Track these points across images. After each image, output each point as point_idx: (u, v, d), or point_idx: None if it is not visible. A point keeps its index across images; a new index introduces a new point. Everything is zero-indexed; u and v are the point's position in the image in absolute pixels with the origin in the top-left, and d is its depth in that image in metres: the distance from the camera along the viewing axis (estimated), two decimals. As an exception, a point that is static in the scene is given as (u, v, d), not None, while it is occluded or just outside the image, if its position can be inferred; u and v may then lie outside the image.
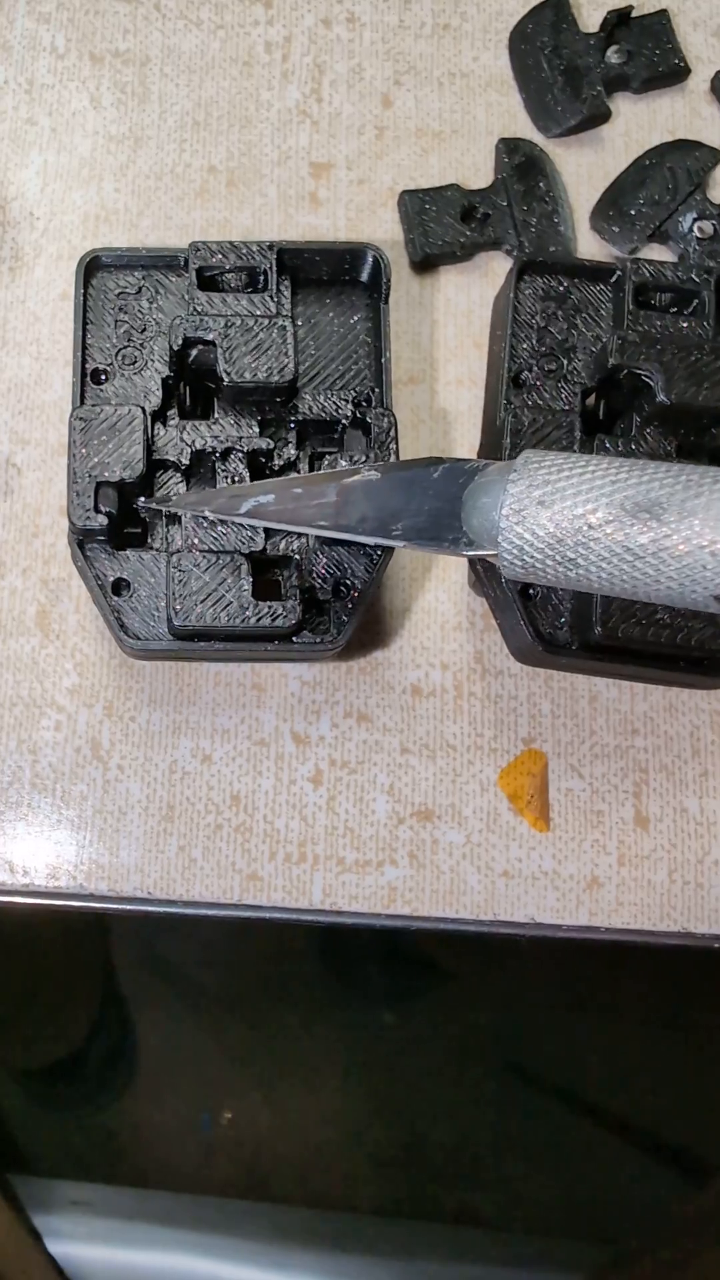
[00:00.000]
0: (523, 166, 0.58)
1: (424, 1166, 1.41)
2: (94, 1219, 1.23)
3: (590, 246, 0.59)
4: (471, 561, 0.54)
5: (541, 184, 0.58)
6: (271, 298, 0.51)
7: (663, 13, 0.61)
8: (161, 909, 0.53)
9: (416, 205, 0.58)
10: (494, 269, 0.59)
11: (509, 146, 0.59)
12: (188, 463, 0.50)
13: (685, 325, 0.51)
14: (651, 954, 1.36)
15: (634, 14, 0.61)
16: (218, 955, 1.48)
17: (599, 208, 0.59)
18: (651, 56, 0.60)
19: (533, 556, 0.40)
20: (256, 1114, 1.42)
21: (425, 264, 0.58)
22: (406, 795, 0.54)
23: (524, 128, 0.60)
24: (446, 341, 0.58)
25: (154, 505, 0.50)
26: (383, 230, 0.59)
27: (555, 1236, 1.35)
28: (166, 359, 0.51)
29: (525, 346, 0.53)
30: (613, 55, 0.60)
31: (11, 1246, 1.08)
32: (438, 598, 0.55)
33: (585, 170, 0.60)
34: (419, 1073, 1.44)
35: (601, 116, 0.60)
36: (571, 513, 0.39)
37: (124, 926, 1.42)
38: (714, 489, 0.37)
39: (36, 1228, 1.17)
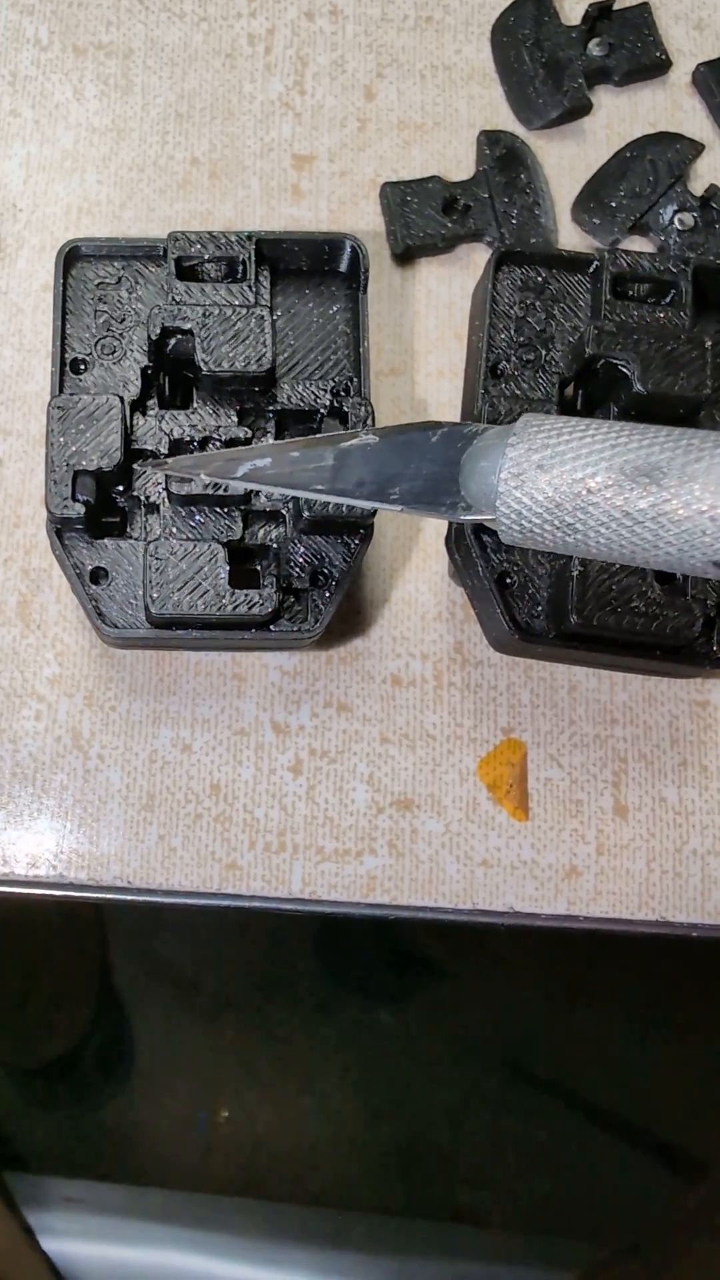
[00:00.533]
0: (504, 159, 0.59)
1: (420, 1165, 1.41)
2: (88, 1216, 1.23)
3: (571, 238, 0.59)
4: (450, 551, 0.54)
5: (523, 176, 0.58)
6: (250, 288, 0.51)
7: (644, 5, 0.61)
8: (141, 898, 0.53)
9: (398, 197, 0.58)
10: (475, 261, 0.59)
11: (490, 139, 0.59)
12: (166, 452, 0.50)
13: (662, 315, 0.51)
14: (646, 949, 1.36)
15: (615, 7, 0.61)
16: (214, 953, 1.48)
17: (580, 200, 0.59)
18: (633, 49, 0.61)
19: (531, 521, 0.39)
20: (253, 1112, 1.42)
21: (406, 255, 0.58)
22: (386, 785, 0.54)
23: (506, 120, 0.60)
24: (427, 333, 0.58)
25: (151, 467, 0.50)
26: (364, 222, 0.59)
27: (550, 1234, 1.34)
28: (145, 349, 0.52)
29: (503, 336, 0.53)
30: (594, 48, 0.60)
31: (4, 1244, 1.09)
32: (418, 588, 0.55)
33: (567, 162, 0.60)
34: (415, 1071, 1.44)
35: (583, 109, 0.60)
36: (571, 477, 0.38)
37: (120, 924, 1.42)
38: (715, 454, 0.37)
39: (30, 1224, 1.17)
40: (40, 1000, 1.36)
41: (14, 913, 1.32)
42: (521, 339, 0.53)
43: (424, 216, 0.58)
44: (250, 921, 1.44)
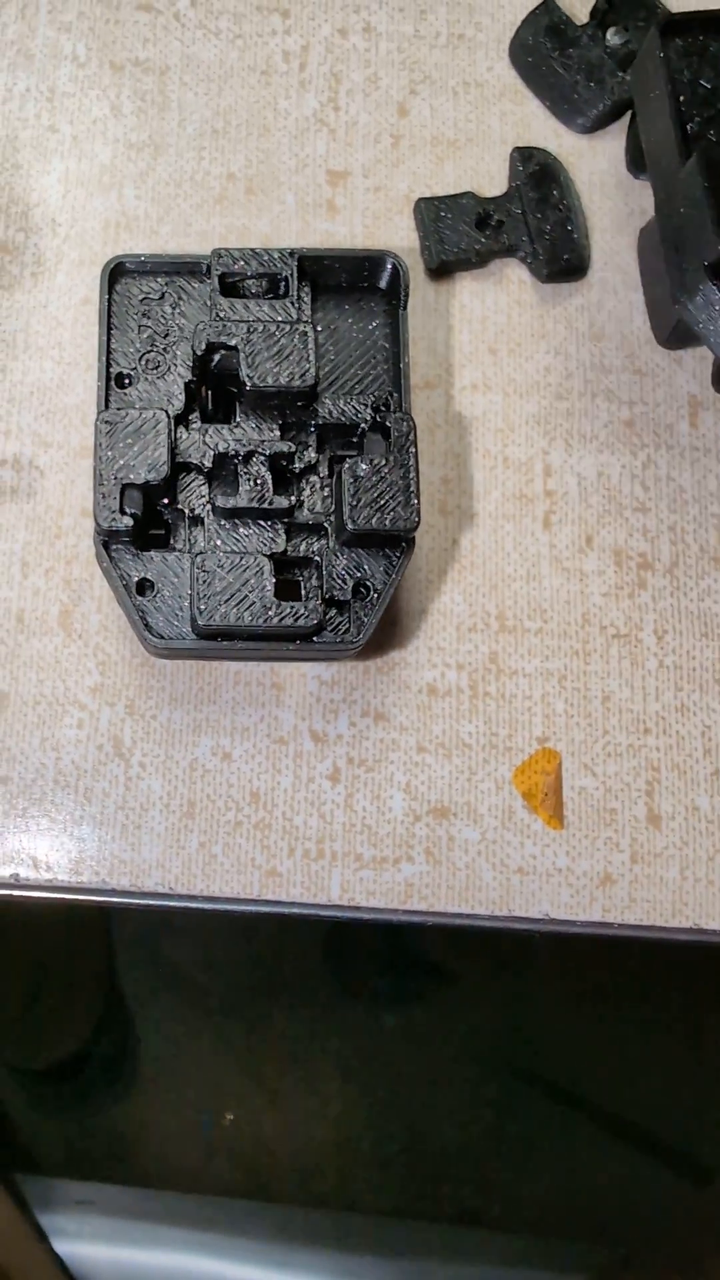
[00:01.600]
0: (537, 175, 0.59)
1: (425, 1168, 1.41)
2: (99, 1218, 1.24)
3: (609, 250, 0.60)
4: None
5: (555, 192, 0.59)
6: (292, 304, 0.52)
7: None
8: (182, 904, 0.54)
9: (432, 213, 0.59)
10: (508, 276, 0.60)
11: (523, 155, 0.60)
12: (210, 465, 0.51)
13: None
14: (655, 955, 1.36)
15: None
16: (220, 956, 1.48)
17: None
18: (646, 27, 0.61)
19: None
20: (258, 1116, 1.43)
21: (440, 271, 0.59)
22: (423, 793, 0.55)
23: (538, 136, 0.61)
24: (462, 347, 0.59)
25: None
26: (398, 237, 0.60)
27: (558, 1237, 1.35)
28: (189, 364, 0.52)
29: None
30: (612, 37, 0.61)
31: (17, 1245, 1.09)
32: (454, 599, 0.56)
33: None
34: (420, 1075, 1.44)
35: (628, 102, 0.60)
36: None
37: (126, 928, 1.42)
38: None
39: (42, 1226, 1.17)
40: (47, 1004, 1.36)
41: (21, 917, 1.32)
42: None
43: (457, 232, 0.59)
44: (256, 924, 1.45)
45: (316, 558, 0.51)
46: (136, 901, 0.54)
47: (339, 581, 0.51)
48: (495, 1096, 1.42)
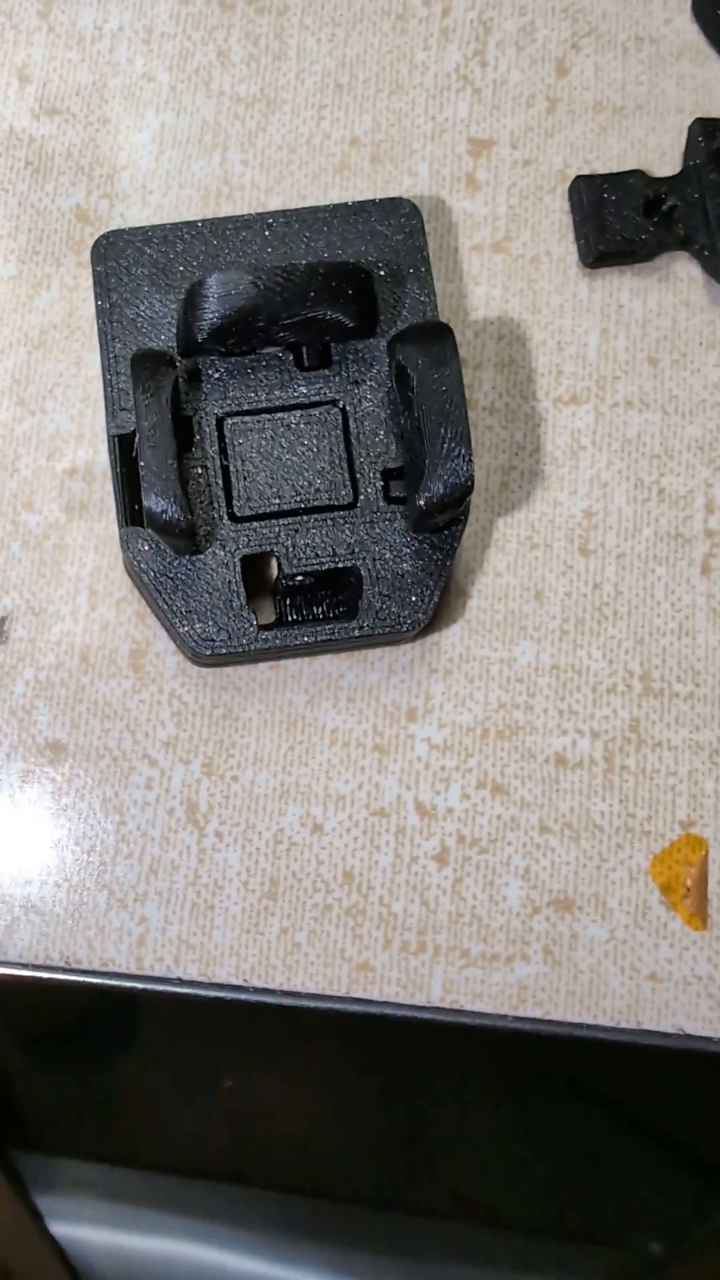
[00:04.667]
0: None
1: (429, 1159, 1.38)
2: (97, 1201, 1.22)
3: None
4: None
5: (740, 174, 0.50)
6: None
7: None
8: (257, 999, 0.47)
9: (592, 194, 0.50)
10: (678, 272, 0.51)
11: (705, 128, 0.50)
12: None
13: None
14: None
15: None
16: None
17: None
18: None
19: None
20: (258, 1091, 1.41)
21: (598, 262, 0.50)
22: (544, 881, 0.47)
23: (722, 104, 0.52)
24: (616, 355, 0.50)
25: None
26: (549, 220, 0.51)
27: (569, 1240, 1.32)
28: None
29: None
30: None
31: (11, 1225, 1.06)
32: (590, 654, 0.48)
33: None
34: (427, 1062, 1.41)
35: None
36: None
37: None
38: None
39: (38, 1207, 1.15)
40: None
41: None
42: None
43: (621, 218, 0.50)
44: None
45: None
46: (205, 994, 0.47)
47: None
48: (501, 1082, 1.39)
